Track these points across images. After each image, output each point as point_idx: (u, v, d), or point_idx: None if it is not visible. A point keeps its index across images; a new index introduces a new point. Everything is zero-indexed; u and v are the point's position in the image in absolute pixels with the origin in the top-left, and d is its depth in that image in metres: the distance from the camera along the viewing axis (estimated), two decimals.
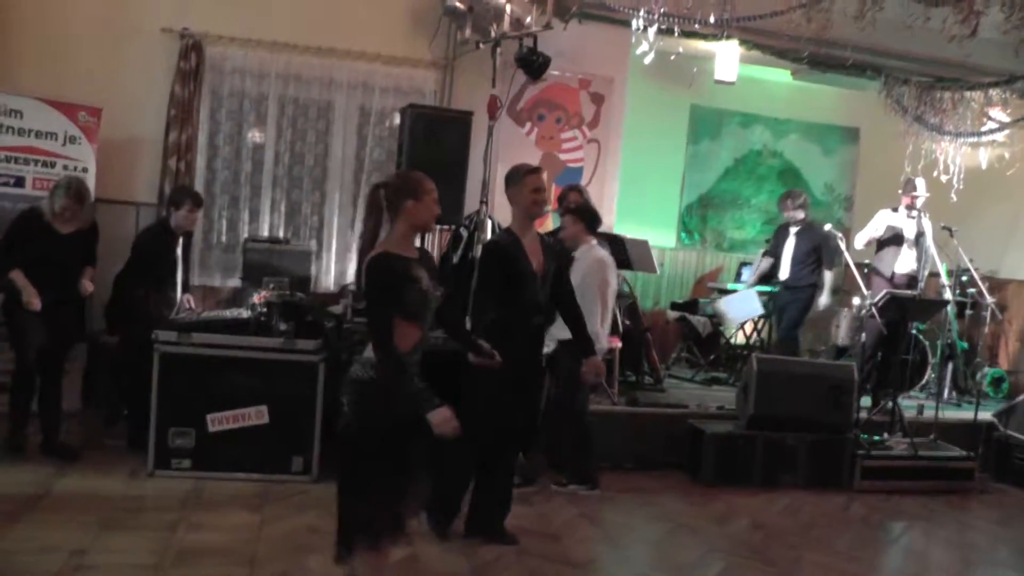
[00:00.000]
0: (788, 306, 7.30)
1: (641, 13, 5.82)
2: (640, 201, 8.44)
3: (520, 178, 4.18)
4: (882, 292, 6.44)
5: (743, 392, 6.19)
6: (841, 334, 8.05)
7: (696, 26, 5.88)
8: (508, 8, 5.65)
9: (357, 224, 6.47)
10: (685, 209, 9.30)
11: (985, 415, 6.61)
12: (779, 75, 8.43)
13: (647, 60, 6.16)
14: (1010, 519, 5.68)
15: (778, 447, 5.95)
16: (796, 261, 7.23)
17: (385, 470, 3.13)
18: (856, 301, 8.03)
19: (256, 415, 5.02)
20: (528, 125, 6.99)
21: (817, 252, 7.18)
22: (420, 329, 3.18)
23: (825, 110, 9.21)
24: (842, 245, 6.84)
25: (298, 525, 4.40)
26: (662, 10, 5.75)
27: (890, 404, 6.41)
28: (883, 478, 6.01)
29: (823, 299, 7.25)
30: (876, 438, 6.24)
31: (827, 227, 7.17)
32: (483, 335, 3.89)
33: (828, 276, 7.23)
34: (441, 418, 3.02)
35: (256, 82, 6.17)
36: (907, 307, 6.38)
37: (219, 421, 4.97)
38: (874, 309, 6.30)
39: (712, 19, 5.60)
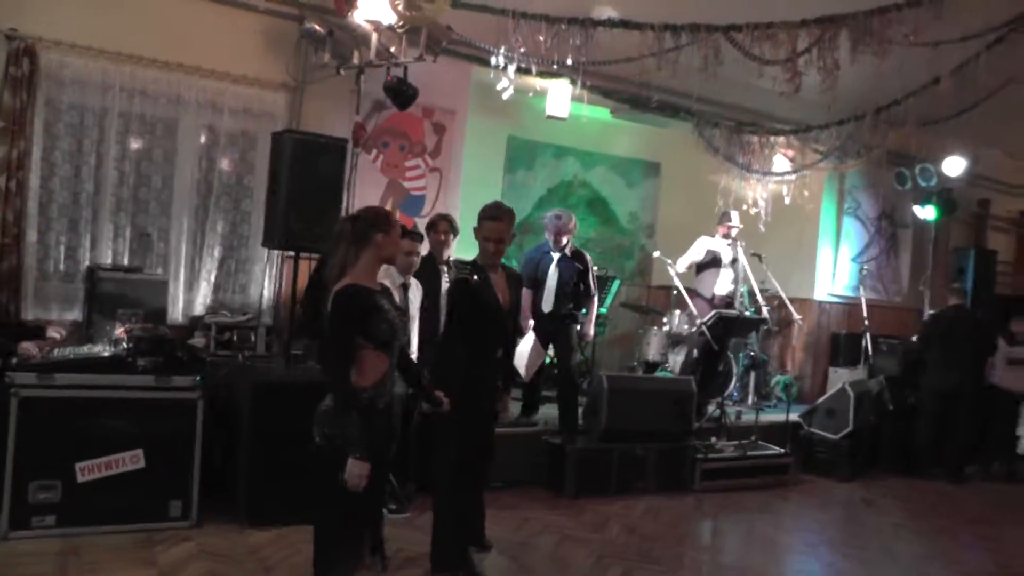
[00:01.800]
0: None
1: (502, 51, 6.11)
2: (463, 227, 8.69)
3: (497, 215, 4.35)
4: (711, 313, 7.17)
5: (591, 408, 6.62)
6: (652, 351, 8.80)
7: (554, 67, 6.25)
8: (375, 37, 5.69)
9: (206, 252, 6.14)
10: None
11: (793, 417, 7.57)
12: (590, 111, 9.09)
13: (505, 96, 6.46)
14: (826, 505, 6.57)
15: (630, 457, 6.44)
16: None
17: (365, 499, 3.13)
18: (665, 320, 8.84)
19: (131, 460, 4.66)
20: (374, 152, 7.01)
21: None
22: (388, 359, 3.24)
23: (630, 145, 10.01)
24: (671, 271, 7.52)
25: (200, 572, 4.17)
26: (521, 50, 6.07)
27: (718, 412, 7.16)
28: (719, 478, 6.69)
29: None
30: (707, 443, 6.93)
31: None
32: (450, 368, 4.14)
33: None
34: (358, 470, 3.03)
35: (99, 95, 5.66)
36: (731, 325, 7.17)
37: (89, 470, 4.55)
38: (704, 328, 7.02)
39: (569, 61, 5.99)
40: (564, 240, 6.45)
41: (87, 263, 5.69)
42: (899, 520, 6.36)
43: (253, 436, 4.87)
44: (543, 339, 6.32)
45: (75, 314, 5.70)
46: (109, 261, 5.74)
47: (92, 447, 4.54)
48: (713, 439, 7.06)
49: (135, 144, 5.87)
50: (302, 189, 5.07)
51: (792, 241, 9.15)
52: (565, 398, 6.46)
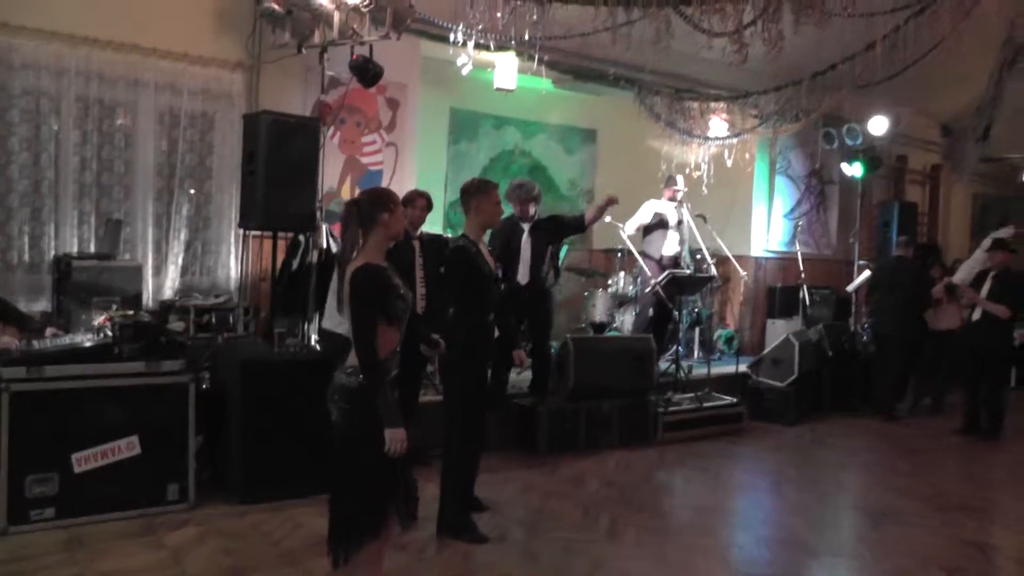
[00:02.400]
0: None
1: (460, 28, 6.22)
2: None
3: (487, 190, 4.55)
4: (663, 273, 7.51)
5: (557, 369, 6.89)
6: (598, 312, 9.12)
7: (512, 42, 6.39)
8: (336, 16, 5.72)
9: (172, 235, 6.11)
10: (449, 206, 9.81)
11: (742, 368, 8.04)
12: (532, 81, 9.27)
13: (465, 72, 6.58)
14: (780, 447, 7.04)
15: (597, 414, 6.75)
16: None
17: (382, 471, 3.27)
18: (610, 282, 9.17)
19: (127, 447, 4.69)
20: (331, 129, 7.03)
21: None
22: (398, 333, 3.40)
23: (567, 114, 10.22)
24: (623, 234, 7.82)
25: (212, 550, 4.27)
26: (479, 27, 6.19)
27: (673, 367, 7.53)
28: (679, 429, 7.08)
29: None
30: (665, 397, 7.30)
31: None
32: (462, 334, 4.42)
33: None
34: (397, 437, 3.20)
35: (53, 79, 5.53)
36: (683, 284, 7.53)
37: (87, 460, 4.56)
38: (659, 288, 7.35)
39: (527, 37, 6.15)
40: (532, 210, 6.48)
41: (53, 252, 5.61)
42: (844, 457, 6.91)
43: (244, 415, 4.96)
44: (519, 312, 6.42)
45: (42, 305, 5.62)
46: (75, 249, 5.67)
47: (87, 437, 4.55)
48: (670, 393, 7.43)
49: (96, 129, 5.77)
50: (279, 170, 5.13)
51: (727, 201, 9.57)
52: (538, 367, 6.67)
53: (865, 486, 6.19)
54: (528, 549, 4.47)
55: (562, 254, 9.25)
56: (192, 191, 6.17)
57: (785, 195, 10.02)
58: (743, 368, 8.11)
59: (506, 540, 4.59)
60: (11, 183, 5.51)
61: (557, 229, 6.65)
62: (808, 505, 5.54)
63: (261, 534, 4.54)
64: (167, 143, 6.06)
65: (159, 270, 6.08)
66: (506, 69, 7.76)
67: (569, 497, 5.42)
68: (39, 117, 5.56)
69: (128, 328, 4.87)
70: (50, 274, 5.57)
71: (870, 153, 9.45)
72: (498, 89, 7.89)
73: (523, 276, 6.46)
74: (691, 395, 7.44)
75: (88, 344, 4.78)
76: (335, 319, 3.75)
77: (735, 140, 8.15)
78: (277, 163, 5.14)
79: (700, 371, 7.95)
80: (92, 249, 5.73)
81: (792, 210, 10.09)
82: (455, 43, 6.30)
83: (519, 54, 7.50)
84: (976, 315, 7.53)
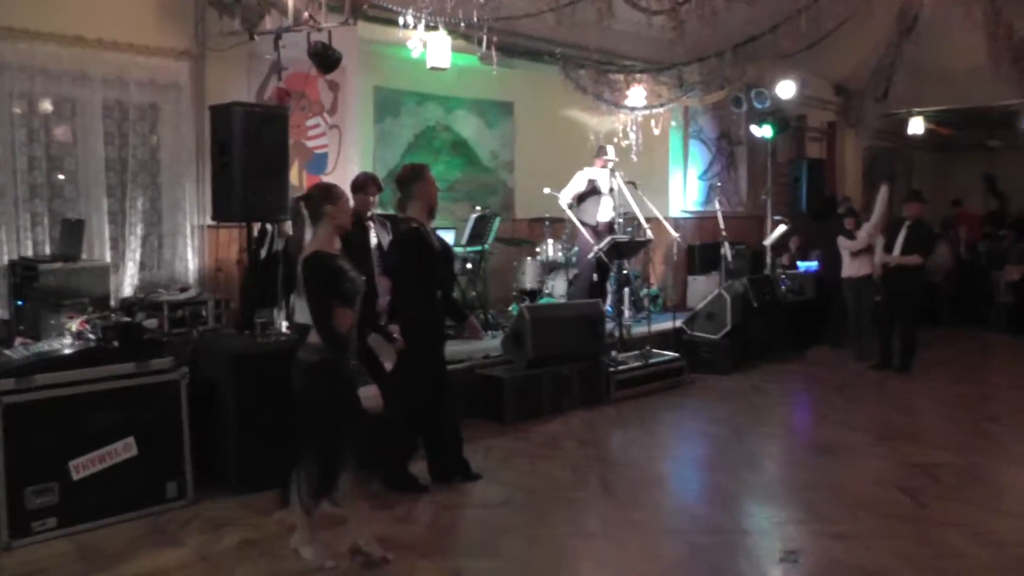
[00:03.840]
0: None
1: (410, 12, 6.29)
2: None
3: (423, 175, 4.87)
4: (606, 239, 7.84)
5: (514, 339, 7.13)
6: (528, 279, 9.43)
7: (462, 27, 6.50)
8: (291, 2, 5.69)
9: (128, 231, 5.95)
10: None
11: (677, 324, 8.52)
12: (456, 58, 9.35)
13: (415, 55, 6.65)
14: (727, 397, 7.54)
15: (557, 379, 7.05)
16: None
17: (330, 436, 3.82)
18: (539, 249, 9.48)
19: (124, 448, 4.65)
20: None
21: None
22: (353, 312, 3.86)
23: (485, 88, 10.32)
24: (562, 203, 8.10)
25: (232, 543, 4.32)
26: (428, 11, 6.28)
27: (615, 327, 7.91)
28: (629, 387, 7.46)
29: None
30: (612, 357, 7.66)
31: None
32: (412, 310, 4.77)
33: None
34: (370, 393, 3.74)
35: None
36: (623, 248, 7.90)
37: (84, 466, 4.50)
38: (602, 254, 7.69)
39: (475, 19, 6.28)
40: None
41: (6, 257, 5.40)
42: (783, 400, 7.52)
43: (238, 407, 4.99)
44: None
45: None
46: (31, 252, 5.47)
47: (83, 443, 4.49)
48: (614, 353, 7.80)
49: (42, 127, 5.55)
50: (254, 160, 5.12)
51: (645, 166, 9.99)
52: None
53: (811, 424, 6.81)
54: (537, 509, 4.74)
55: (495, 226, 9.47)
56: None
57: (698, 158, 10.55)
58: (678, 324, 8.57)
59: (513, 503, 4.85)
60: None
61: None
62: (767, 446, 6.06)
63: (273, 520, 4.59)
64: (118, 137, 5.89)
65: (117, 267, 5.92)
66: (439, 48, 7.83)
67: (552, 459, 5.70)
68: None
69: (110, 329, 4.81)
70: (6, 279, 5.35)
71: (779, 115, 10.06)
72: (432, 68, 7.95)
73: None
74: (634, 353, 7.84)
75: (69, 350, 4.70)
76: (305, 313, 3.95)
77: (661, 110, 8.54)
78: (252, 154, 5.12)
79: (637, 330, 8.37)
80: (47, 251, 5.54)
81: (705, 171, 10.64)
82: (405, 26, 6.35)
83: (450, 32, 7.59)
84: (892, 263, 8.24)
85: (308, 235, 4.03)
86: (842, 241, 8.87)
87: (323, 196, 3.90)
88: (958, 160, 16.12)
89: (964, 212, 14.09)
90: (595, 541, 4.37)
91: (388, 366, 4.89)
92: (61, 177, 5.70)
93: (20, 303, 5.27)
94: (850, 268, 8.87)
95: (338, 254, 3.89)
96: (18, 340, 4.86)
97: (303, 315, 3.86)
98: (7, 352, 4.65)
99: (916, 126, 12.83)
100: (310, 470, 3.88)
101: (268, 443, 4.99)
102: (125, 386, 4.65)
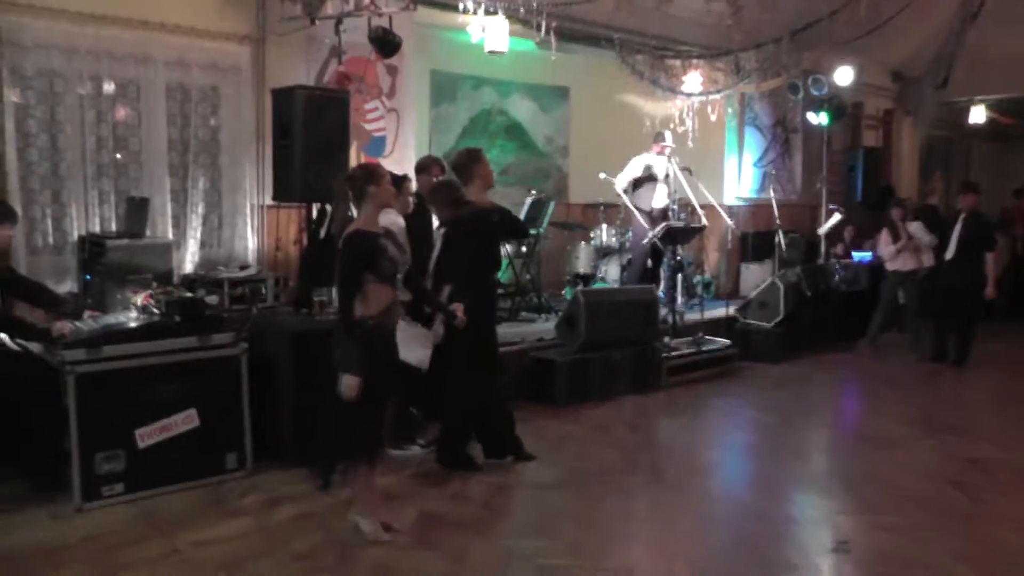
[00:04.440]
0: None
1: None
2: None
3: (480, 157, 5.00)
4: (661, 225, 7.80)
5: (567, 322, 7.15)
6: (581, 264, 9.42)
7: (521, 11, 6.52)
8: None
9: (190, 210, 6.12)
10: None
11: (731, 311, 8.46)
12: (515, 43, 9.35)
13: (474, 40, 6.68)
14: (778, 386, 7.48)
15: (609, 363, 7.05)
16: None
17: (367, 406, 3.88)
18: (592, 234, 9.46)
19: (185, 420, 4.78)
20: None
21: None
22: (392, 290, 3.93)
23: (541, 73, 10.32)
24: (618, 188, 8.07)
25: (288, 515, 4.42)
26: None
27: (668, 313, 7.88)
28: (682, 373, 7.44)
29: None
30: (664, 343, 7.63)
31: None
32: (469, 294, 4.75)
33: None
34: (349, 383, 3.81)
35: (65, 59, 5.44)
36: (677, 235, 7.86)
37: (148, 435, 4.64)
38: (656, 240, 7.66)
39: (534, 4, 6.28)
40: None
41: (76, 233, 5.58)
42: (834, 391, 7.44)
43: (295, 383, 5.09)
44: None
45: (69, 286, 5.61)
46: (98, 229, 5.65)
47: (148, 413, 4.63)
48: (666, 339, 7.78)
49: (109, 107, 5.72)
50: (314, 142, 5.21)
51: (700, 152, 9.90)
52: None
53: (862, 416, 6.72)
54: (588, 491, 4.77)
55: (549, 210, 9.47)
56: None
57: (753, 145, 10.42)
58: (731, 312, 8.51)
59: (567, 486, 4.88)
60: (31, 166, 5.44)
61: None
62: (816, 436, 6.02)
63: (328, 494, 4.70)
64: (180, 118, 6.04)
65: (179, 245, 6.09)
66: (497, 32, 7.84)
67: (605, 444, 5.71)
68: (53, 98, 5.48)
69: (174, 304, 4.95)
70: (75, 255, 5.54)
71: (835, 102, 9.88)
72: (490, 52, 7.97)
73: None
74: (687, 339, 7.81)
75: (134, 323, 4.85)
76: None
77: (717, 96, 8.45)
78: (312, 136, 5.21)
79: (690, 316, 8.33)
80: (113, 228, 5.71)
81: (760, 159, 10.50)
82: (464, 11, 6.39)
83: (508, 17, 7.61)
84: (949, 255, 8.04)
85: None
86: (883, 236, 8.67)
87: (366, 176, 3.95)
88: (1019, 150, 15.65)
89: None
90: (644, 525, 4.39)
91: (413, 356, 4.86)
92: (120, 156, 5.84)
93: (88, 277, 5.47)
94: (895, 261, 8.65)
95: (381, 233, 3.95)
96: (87, 313, 5.03)
97: None
98: (78, 324, 4.83)
99: (978, 115, 12.48)
100: (353, 441, 3.99)
101: (319, 416, 5.11)
102: (187, 359, 4.78)
